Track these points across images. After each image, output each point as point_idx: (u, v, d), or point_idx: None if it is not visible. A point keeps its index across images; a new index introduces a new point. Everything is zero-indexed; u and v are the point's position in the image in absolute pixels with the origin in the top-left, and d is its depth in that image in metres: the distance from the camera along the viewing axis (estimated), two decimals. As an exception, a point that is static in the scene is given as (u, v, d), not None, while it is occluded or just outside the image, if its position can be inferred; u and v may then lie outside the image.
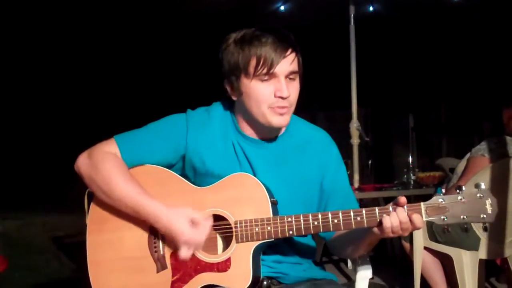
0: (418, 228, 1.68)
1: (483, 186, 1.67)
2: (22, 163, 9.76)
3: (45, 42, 10.18)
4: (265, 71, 1.79)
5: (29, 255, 5.49)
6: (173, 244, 1.82)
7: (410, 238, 3.57)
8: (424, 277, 3.65)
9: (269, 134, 1.92)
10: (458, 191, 1.67)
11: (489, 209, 1.65)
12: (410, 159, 5.00)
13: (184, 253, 1.78)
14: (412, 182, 4.66)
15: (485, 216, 1.66)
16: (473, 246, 3.34)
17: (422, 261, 3.56)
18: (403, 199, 1.68)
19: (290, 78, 1.84)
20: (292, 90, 1.83)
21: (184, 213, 1.78)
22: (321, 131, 2.03)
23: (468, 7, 5.50)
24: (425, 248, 3.55)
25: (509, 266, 3.46)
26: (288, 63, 1.82)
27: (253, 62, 1.80)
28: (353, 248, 1.90)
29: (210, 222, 1.78)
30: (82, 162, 1.89)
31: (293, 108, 1.87)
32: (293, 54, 1.83)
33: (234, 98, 1.89)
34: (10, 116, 10.20)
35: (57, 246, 5.92)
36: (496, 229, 3.25)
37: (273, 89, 1.81)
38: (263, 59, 1.79)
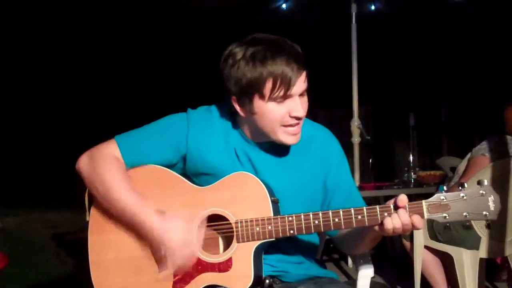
0: (418, 229, 1.68)
1: (485, 183, 1.65)
2: (22, 160, 9.76)
3: (45, 42, 10.18)
4: (282, 93, 1.75)
5: (29, 252, 5.49)
6: None
7: (410, 237, 3.57)
8: (425, 276, 3.65)
9: (268, 141, 1.90)
10: (460, 188, 1.66)
11: (491, 206, 1.64)
12: (411, 158, 5.00)
13: (166, 271, 1.78)
14: (412, 181, 4.66)
15: (487, 213, 1.64)
16: (473, 245, 3.34)
17: (423, 260, 3.56)
18: (402, 201, 1.66)
19: (301, 95, 1.81)
20: (304, 107, 1.81)
21: (176, 234, 1.74)
22: (323, 129, 2.02)
23: (469, 6, 5.49)
24: (426, 247, 3.55)
25: (510, 265, 3.46)
26: (302, 82, 1.78)
27: (268, 85, 1.75)
28: (357, 244, 1.90)
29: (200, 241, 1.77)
30: (83, 164, 1.88)
31: (302, 122, 1.84)
32: (305, 72, 1.79)
33: (243, 115, 1.84)
34: (11, 114, 10.20)
35: (58, 243, 5.92)
36: (496, 228, 3.25)
37: (288, 109, 1.78)
38: (279, 81, 1.74)
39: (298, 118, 1.79)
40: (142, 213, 1.79)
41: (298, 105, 1.78)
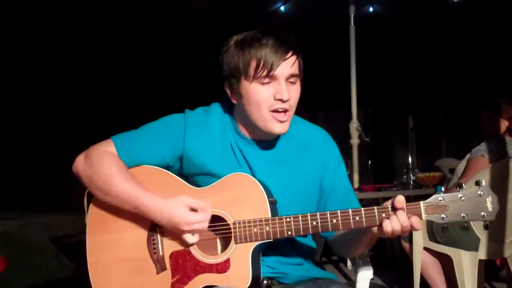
0: (417, 230, 1.68)
1: (483, 183, 1.65)
2: (21, 163, 9.76)
3: (45, 42, 10.18)
4: (265, 73, 1.78)
5: (29, 255, 5.49)
6: (173, 244, 1.82)
7: (409, 239, 3.57)
8: (424, 277, 3.65)
9: (268, 137, 1.91)
10: (458, 189, 1.67)
11: (489, 206, 1.64)
12: (410, 159, 4.98)
13: (191, 239, 1.78)
14: (411, 183, 4.65)
15: (485, 214, 1.64)
16: (472, 246, 3.34)
17: (422, 261, 3.56)
18: (400, 202, 1.66)
19: (291, 82, 1.82)
20: (292, 93, 1.82)
21: (182, 201, 1.77)
22: (321, 130, 2.02)
23: (468, 8, 5.50)
24: (425, 248, 3.55)
25: (509, 267, 3.46)
26: (288, 65, 1.80)
27: (253, 65, 1.79)
28: (353, 247, 1.90)
29: (209, 204, 1.78)
30: (80, 163, 1.89)
31: (293, 113, 1.85)
32: (294, 57, 1.82)
33: (234, 101, 1.88)
34: (10, 116, 10.20)
35: (57, 246, 5.92)
36: (495, 229, 3.25)
37: (273, 91, 1.80)
38: (263, 61, 1.77)
39: (283, 101, 1.80)
40: (148, 203, 1.79)
41: (282, 88, 1.80)
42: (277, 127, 1.83)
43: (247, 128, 1.91)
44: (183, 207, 1.76)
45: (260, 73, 1.78)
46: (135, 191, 1.81)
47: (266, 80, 1.80)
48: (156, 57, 10.42)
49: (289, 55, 1.80)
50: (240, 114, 1.90)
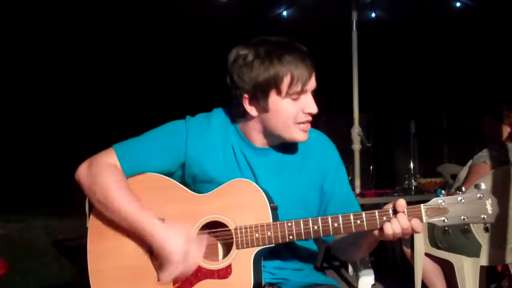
0: (417, 232, 1.69)
1: (483, 186, 1.67)
2: (23, 167, 9.78)
3: (48, 48, 10.22)
4: (299, 89, 1.80)
5: (30, 258, 5.50)
6: None
7: (411, 244, 3.57)
8: (425, 283, 3.64)
9: (275, 143, 1.92)
10: (458, 192, 1.68)
11: (489, 209, 1.66)
12: (412, 165, 4.99)
13: (165, 278, 1.77)
14: (413, 188, 4.65)
15: (485, 216, 1.66)
16: (474, 252, 3.33)
17: (423, 267, 3.56)
18: (401, 206, 1.67)
19: (312, 94, 1.86)
20: None
21: (179, 241, 1.75)
22: (321, 135, 2.04)
23: (470, 14, 5.51)
24: (426, 254, 3.55)
25: (510, 273, 3.45)
26: (314, 79, 1.85)
27: (286, 81, 1.79)
28: (354, 249, 1.91)
29: (196, 265, 1.76)
30: (82, 173, 1.88)
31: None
32: (314, 70, 1.85)
33: (254, 114, 1.86)
34: (12, 120, 10.22)
35: (58, 250, 5.92)
36: (497, 236, 3.25)
37: (301, 106, 1.83)
38: (296, 77, 1.79)
39: (311, 115, 1.84)
40: (144, 223, 1.79)
41: (312, 101, 1.84)
42: (302, 136, 1.87)
43: (258, 134, 1.91)
44: (180, 247, 1.75)
45: (294, 89, 1.80)
46: (133, 212, 1.80)
47: (296, 96, 1.82)
48: (158, 62, 10.45)
49: (313, 69, 1.84)
50: (256, 125, 1.89)
